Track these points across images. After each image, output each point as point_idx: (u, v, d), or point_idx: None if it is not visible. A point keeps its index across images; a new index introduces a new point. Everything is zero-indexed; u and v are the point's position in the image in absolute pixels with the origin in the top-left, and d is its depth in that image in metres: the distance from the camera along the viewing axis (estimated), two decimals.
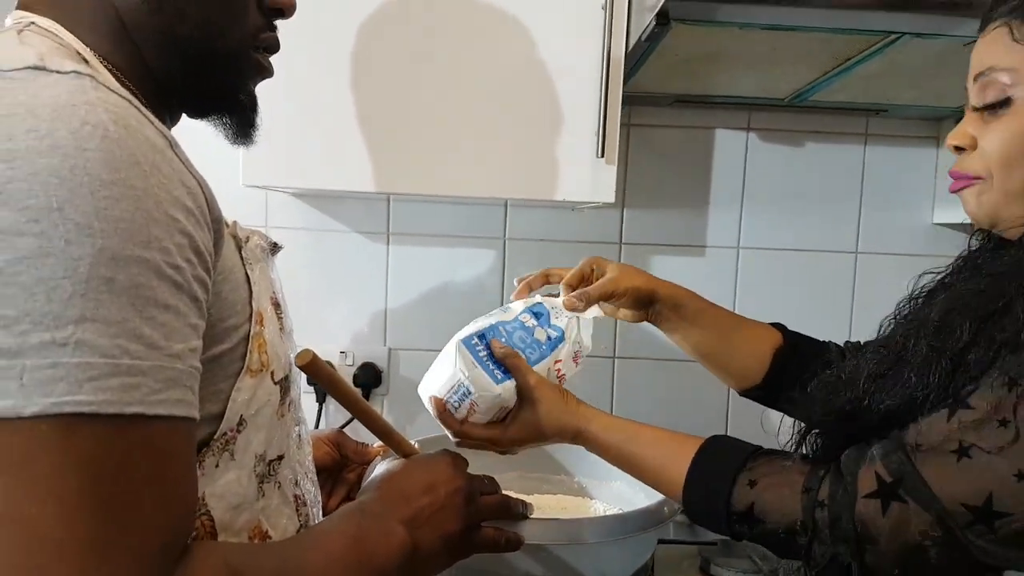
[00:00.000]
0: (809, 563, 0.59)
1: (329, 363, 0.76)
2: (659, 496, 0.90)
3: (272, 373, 0.59)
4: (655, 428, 0.75)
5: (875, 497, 0.55)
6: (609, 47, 1.02)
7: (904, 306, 0.70)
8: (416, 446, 0.82)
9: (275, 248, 0.67)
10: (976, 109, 0.65)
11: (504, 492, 0.80)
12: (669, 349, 1.34)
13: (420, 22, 1.03)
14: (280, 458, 0.62)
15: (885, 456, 0.56)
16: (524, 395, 0.78)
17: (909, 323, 0.65)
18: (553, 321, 0.86)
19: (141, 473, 0.44)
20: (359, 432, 1.32)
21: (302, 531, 0.63)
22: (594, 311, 0.89)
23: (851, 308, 1.32)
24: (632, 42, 1.03)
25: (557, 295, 0.89)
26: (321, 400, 1.35)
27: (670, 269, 1.36)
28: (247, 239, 0.62)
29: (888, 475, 0.55)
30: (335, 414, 1.37)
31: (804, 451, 0.66)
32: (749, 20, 0.94)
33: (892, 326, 0.69)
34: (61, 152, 0.42)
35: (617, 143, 1.05)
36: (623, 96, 1.08)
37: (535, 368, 0.81)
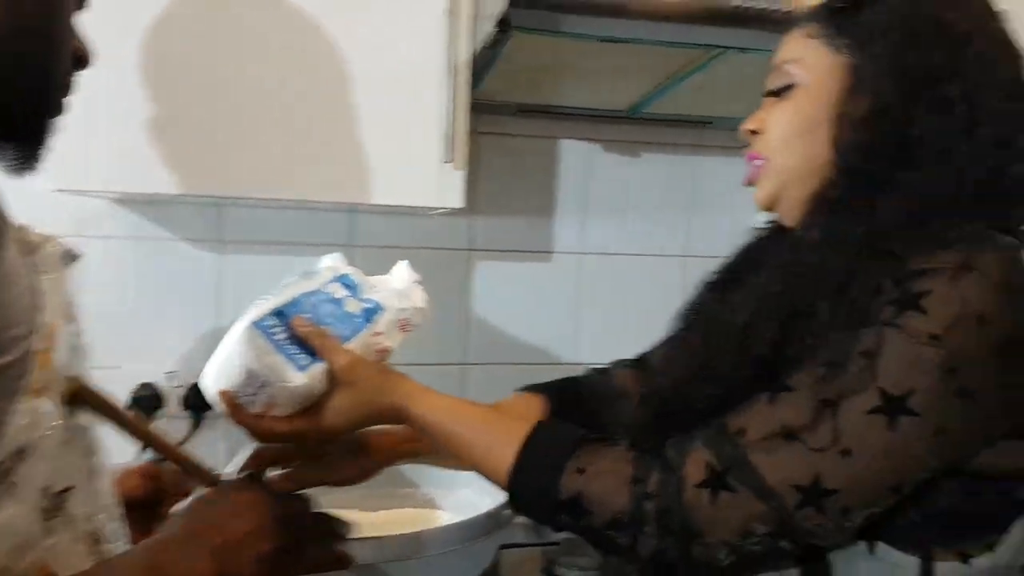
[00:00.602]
0: (631, 560, 0.57)
1: (90, 390, 0.62)
2: (499, 502, 0.90)
3: (60, 395, 0.53)
4: (485, 409, 0.69)
5: (704, 486, 0.54)
6: (454, 53, 1.02)
7: (688, 303, 0.73)
8: (219, 474, 0.72)
9: (71, 257, 0.60)
10: (768, 93, 0.69)
11: (341, 509, 0.75)
12: (519, 352, 1.38)
13: (261, 19, 0.98)
14: (68, 490, 0.55)
15: (711, 444, 0.55)
16: (336, 378, 0.67)
17: (706, 322, 0.66)
18: (365, 295, 0.76)
19: None
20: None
21: (95, 565, 0.56)
22: (407, 273, 0.80)
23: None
24: (477, 49, 1.04)
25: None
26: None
27: (517, 274, 1.38)
28: (39, 246, 0.55)
29: (717, 463, 0.54)
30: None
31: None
32: (585, 31, 0.98)
33: (682, 325, 0.69)
34: None
35: (466, 148, 1.05)
36: (471, 104, 1.09)
37: (349, 345, 0.69)
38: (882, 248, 0.57)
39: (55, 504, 0.54)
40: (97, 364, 1.00)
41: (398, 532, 0.90)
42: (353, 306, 0.74)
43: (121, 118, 0.94)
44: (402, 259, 1.33)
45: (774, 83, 0.68)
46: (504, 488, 0.64)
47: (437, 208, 1.11)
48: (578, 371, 1.41)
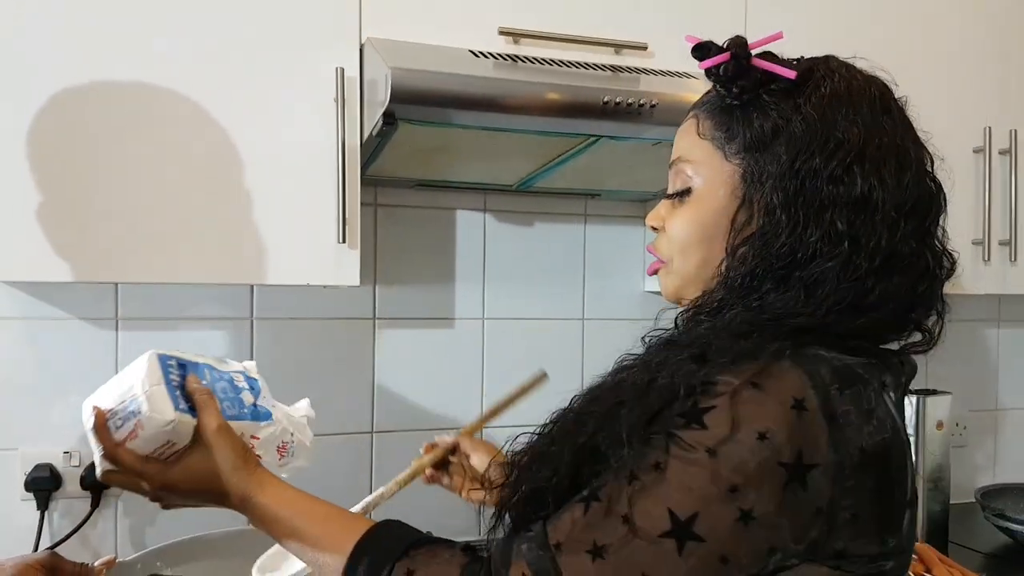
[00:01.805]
0: None
1: None
2: None
3: None
4: (332, 506, 0.69)
5: None
6: (343, 138, 1.06)
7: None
8: None
9: None
10: (667, 196, 0.70)
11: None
12: (426, 418, 1.41)
13: (155, 105, 1.00)
14: None
15: (530, 555, 0.56)
16: (201, 437, 0.69)
17: (568, 409, 0.67)
18: (261, 401, 0.80)
19: None
20: (89, 541, 1.22)
21: None
22: (303, 407, 0.85)
23: (582, 368, 1.46)
24: (367, 133, 1.09)
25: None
26: (43, 508, 1.21)
27: (422, 342, 1.42)
28: None
29: (532, 574, 0.55)
30: (60, 521, 1.23)
31: (502, 531, 0.66)
32: (468, 123, 1.04)
33: (564, 408, 0.70)
34: None
35: (358, 228, 1.08)
36: (368, 179, 1.13)
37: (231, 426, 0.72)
38: (697, 353, 0.58)
39: None
40: None
41: None
42: (247, 398, 0.78)
43: (13, 207, 0.95)
44: (305, 329, 1.36)
45: (673, 184, 0.69)
46: None
47: (334, 286, 1.14)
48: (481, 436, 1.45)
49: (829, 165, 0.60)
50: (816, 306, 0.59)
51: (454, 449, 1.01)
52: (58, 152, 0.97)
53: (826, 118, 0.61)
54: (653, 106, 1.05)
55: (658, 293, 1.57)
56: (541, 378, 1.04)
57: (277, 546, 0.79)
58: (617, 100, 1.04)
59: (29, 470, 1.21)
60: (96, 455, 0.71)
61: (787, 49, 0.67)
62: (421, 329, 1.42)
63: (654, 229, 0.73)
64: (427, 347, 1.42)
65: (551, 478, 0.61)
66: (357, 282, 1.09)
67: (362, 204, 1.10)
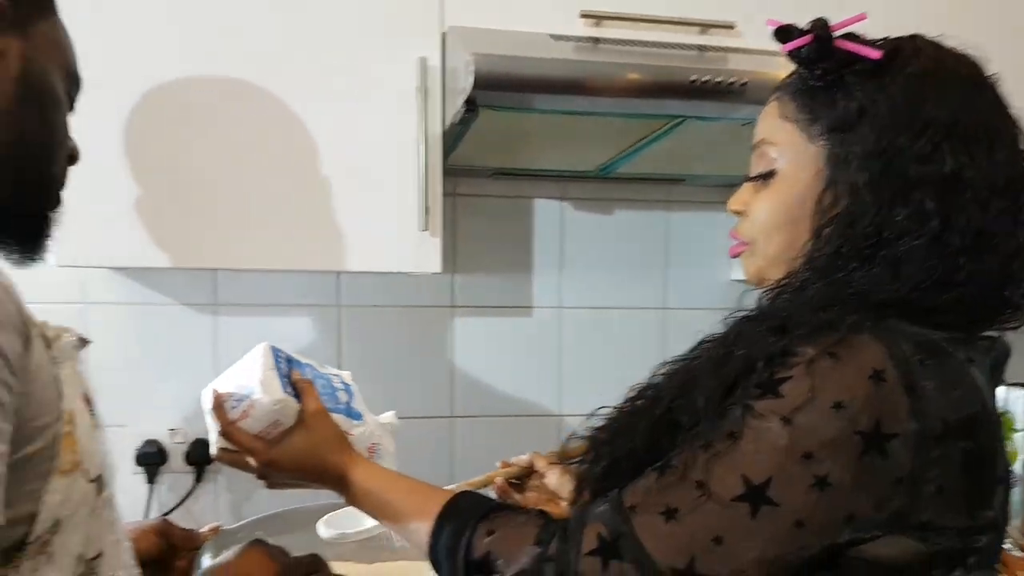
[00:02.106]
0: None
1: None
2: None
3: (87, 472, 0.59)
4: (415, 480, 0.75)
5: (596, 555, 0.57)
6: (426, 127, 1.08)
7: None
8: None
9: (83, 343, 0.66)
10: (749, 178, 0.70)
11: (336, 561, 0.80)
12: (504, 405, 1.43)
13: (245, 99, 1.05)
14: (99, 556, 0.61)
15: (604, 515, 0.58)
16: (304, 419, 0.77)
17: (647, 385, 0.69)
18: (356, 404, 0.87)
19: None
20: (193, 513, 1.29)
21: None
22: (389, 417, 0.91)
23: (662, 360, 1.43)
24: (448, 122, 1.10)
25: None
26: (151, 481, 1.29)
27: (499, 330, 1.43)
28: (56, 337, 0.61)
29: (608, 534, 0.57)
30: (167, 495, 1.31)
31: (583, 501, 0.67)
32: (550, 107, 1.04)
33: (644, 384, 0.71)
34: None
35: (440, 217, 1.10)
36: (448, 168, 1.15)
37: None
38: (776, 325, 0.59)
39: (88, 570, 0.59)
40: (107, 423, 1.07)
41: None
42: (342, 397, 0.86)
43: (116, 199, 1.01)
44: (388, 316, 1.40)
45: (755, 167, 0.69)
46: (425, 550, 0.69)
47: (416, 273, 1.17)
48: (560, 422, 1.46)
49: (916, 144, 0.60)
50: (902, 283, 0.59)
51: (531, 469, 1.00)
52: (156, 145, 1.03)
53: (913, 97, 0.61)
54: (743, 85, 1.02)
55: (745, 282, 1.53)
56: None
57: (345, 508, 0.83)
58: (705, 79, 1.01)
59: (139, 445, 1.29)
60: (212, 435, 0.80)
61: (872, 29, 0.65)
62: (498, 317, 1.43)
63: (737, 213, 0.72)
64: (504, 335, 1.43)
65: (629, 451, 0.63)
66: (439, 269, 1.11)
67: (442, 194, 1.11)
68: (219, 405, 0.78)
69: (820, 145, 0.64)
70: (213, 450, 0.81)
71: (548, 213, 1.45)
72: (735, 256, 0.73)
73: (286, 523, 1.00)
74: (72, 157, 0.68)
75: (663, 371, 0.67)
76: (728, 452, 0.55)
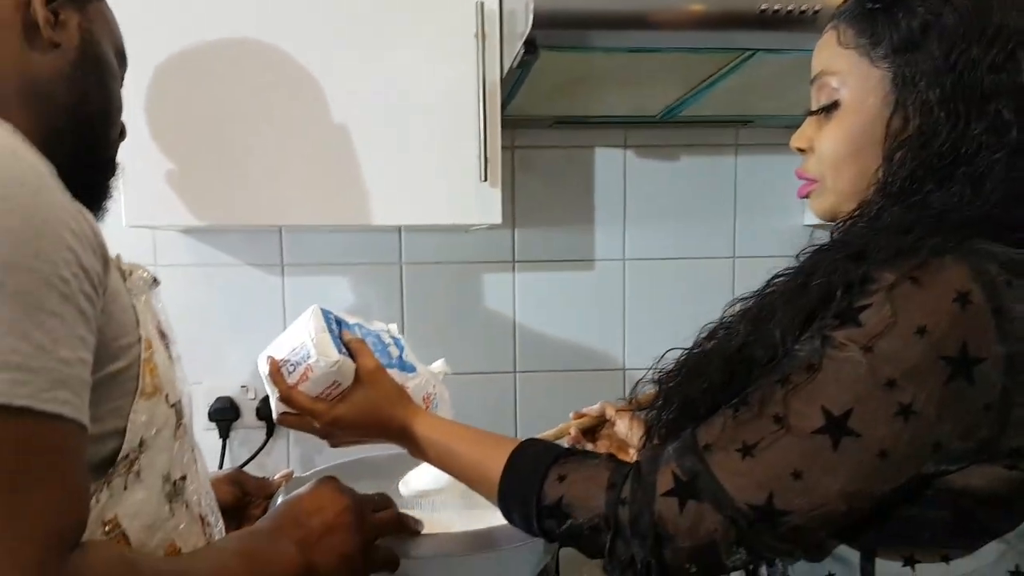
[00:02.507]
0: (612, 561, 0.59)
1: None
2: None
3: (166, 397, 0.62)
4: (478, 430, 0.75)
5: (672, 495, 0.56)
6: (484, 74, 1.06)
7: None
8: None
9: (155, 282, 0.69)
10: (811, 112, 0.68)
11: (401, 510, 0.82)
12: (567, 359, 1.41)
13: (300, 54, 1.04)
14: (184, 478, 0.64)
15: (679, 455, 0.57)
16: (361, 377, 0.78)
17: (719, 325, 0.67)
18: (407, 357, 0.87)
19: (30, 463, 0.46)
20: (265, 467, 1.32)
21: (199, 548, 0.64)
22: (440, 365, 0.91)
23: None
24: (506, 68, 1.08)
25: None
26: (224, 436, 1.33)
27: (561, 284, 1.41)
28: (130, 272, 0.64)
29: (683, 474, 0.56)
30: (239, 449, 1.35)
31: (653, 444, 0.67)
32: (612, 44, 0.99)
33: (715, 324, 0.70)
34: None
35: (499, 166, 1.08)
36: (506, 120, 1.12)
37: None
38: (854, 252, 0.57)
39: (175, 491, 0.62)
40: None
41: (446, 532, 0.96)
42: (393, 352, 0.86)
43: (180, 160, 1.03)
44: (449, 272, 1.40)
45: (817, 100, 0.67)
46: (494, 498, 0.69)
47: (477, 225, 1.15)
48: (624, 376, 1.44)
49: (989, 53, 0.57)
50: (984, 200, 0.57)
51: (603, 419, 1.00)
52: (216, 103, 1.03)
53: (980, 5, 0.58)
54: (815, 12, 0.96)
55: (819, 226, 1.46)
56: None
57: (421, 465, 0.85)
58: (776, 8, 0.95)
59: (212, 402, 1.33)
60: (272, 400, 0.81)
61: None
62: (560, 271, 1.41)
63: (801, 151, 0.69)
64: (567, 289, 1.41)
65: (703, 391, 0.61)
66: (499, 220, 1.10)
67: (501, 147, 1.09)
68: (276, 371, 0.79)
69: (884, 68, 0.61)
70: (275, 415, 0.82)
71: (610, 162, 1.41)
72: (804, 196, 0.70)
73: (356, 471, 1.02)
74: (121, 132, 0.71)
75: (734, 309, 0.65)
76: (806, 384, 0.54)
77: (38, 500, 0.45)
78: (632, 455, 0.94)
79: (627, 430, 0.96)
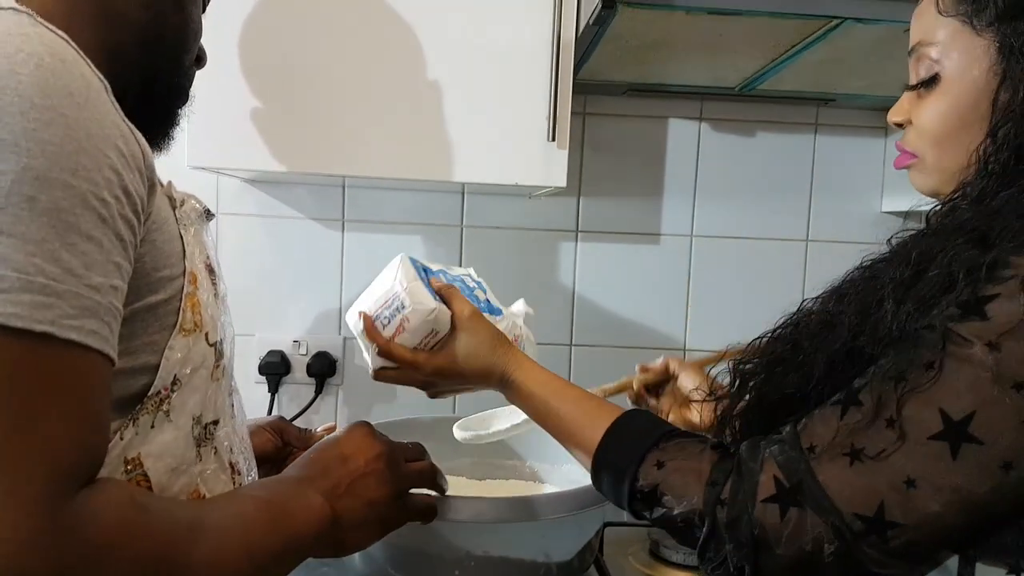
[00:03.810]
0: (703, 557, 0.57)
1: None
2: None
3: (207, 335, 0.59)
4: (581, 389, 0.73)
5: (773, 502, 0.53)
6: (559, 31, 1.03)
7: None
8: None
9: (209, 215, 0.67)
10: (910, 87, 0.64)
11: (452, 475, 0.79)
12: (626, 335, 1.37)
13: (374, 4, 1.03)
14: (216, 423, 0.61)
15: (782, 457, 0.54)
16: (458, 324, 0.75)
17: (806, 312, 0.63)
18: (492, 299, 0.85)
19: (49, 393, 0.43)
20: (312, 423, 1.32)
21: (225, 493, 0.62)
22: (521, 305, 0.88)
23: (802, 295, 1.32)
24: (582, 26, 1.04)
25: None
26: (273, 391, 1.33)
27: (625, 257, 1.37)
28: (182, 202, 0.62)
29: (785, 479, 0.53)
30: (288, 404, 1.35)
31: (727, 436, 0.64)
32: (694, 4, 0.95)
33: (795, 316, 0.66)
34: None
35: (568, 127, 1.06)
36: (578, 84, 1.09)
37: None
38: (977, 236, 0.52)
39: (205, 434, 0.60)
40: (232, 324, 1.09)
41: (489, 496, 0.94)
42: (480, 296, 0.84)
43: (246, 104, 1.02)
44: (511, 238, 1.38)
45: (915, 73, 0.63)
46: (587, 466, 0.67)
47: (541, 187, 1.12)
48: (684, 357, 1.39)
49: None
50: None
51: (668, 374, 0.97)
52: (283, 52, 1.03)
53: None
54: None
55: (897, 214, 1.39)
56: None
57: (482, 413, 0.82)
58: None
59: (263, 355, 1.33)
60: (369, 356, 0.79)
61: None
62: (624, 244, 1.37)
63: (898, 125, 0.65)
64: (630, 263, 1.37)
65: (803, 385, 0.57)
66: (563, 183, 1.07)
67: (571, 112, 1.06)
68: (371, 326, 0.76)
69: (989, 37, 0.58)
70: (372, 371, 0.79)
71: (683, 134, 1.36)
72: (901, 168, 0.66)
73: (406, 430, 1.01)
74: (200, 59, 0.69)
75: (826, 297, 0.61)
76: (923, 384, 0.50)
77: (51, 433, 0.43)
78: (694, 413, 0.91)
79: (691, 384, 0.93)
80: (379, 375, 0.79)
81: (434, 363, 0.76)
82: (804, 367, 0.58)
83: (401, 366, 0.77)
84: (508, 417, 0.92)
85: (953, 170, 0.60)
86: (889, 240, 0.62)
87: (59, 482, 0.43)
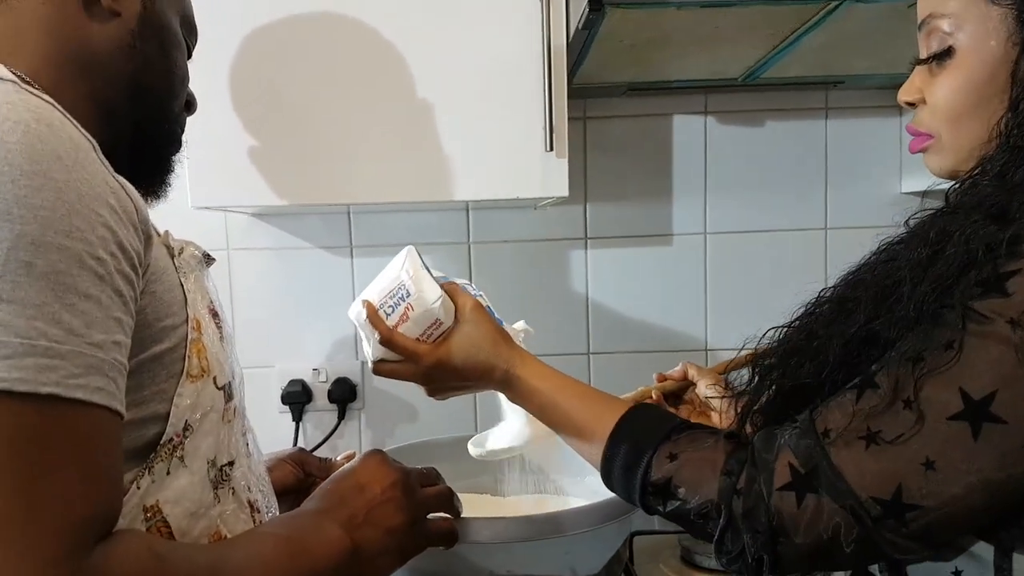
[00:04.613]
0: (720, 549, 0.56)
1: None
2: None
3: (215, 379, 0.60)
4: (586, 385, 0.72)
5: (790, 489, 0.52)
6: (548, 38, 1.01)
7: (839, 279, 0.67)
8: None
9: (209, 259, 0.67)
10: (921, 61, 0.62)
11: (471, 493, 0.78)
12: (645, 340, 1.34)
13: (360, 30, 1.02)
14: (231, 463, 0.62)
15: (797, 444, 0.53)
16: (461, 317, 0.74)
17: (822, 300, 0.62)
18: (491, 308, 0.83)
19: (59, 452, 0.44)
20: (337, 449, 1.32)
21: (244, 532, 0.62)
22: (522, 325, 0.87)
23: (825, 284, 1.28)
24: (572, 31, 1.02)
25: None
26: (297, 419, 1.34)
27: (638, 260, 1.34)
28: (180, 250, 0.62)
29: (801, 465, 0.52)
30: (312, 432, 1.35)
31: (748, 430, 0.62)
32: None
33: (812, 306, 0.64)
34: None
35: (566, 136, 1.04)
36: (576, 89, 1.07)
37: None
38: (996, 212, 0.50)
39: (221, 476, 0.60)
40: (255, 363, 1.08)
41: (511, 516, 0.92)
42: (483, 302, 0.81)
43: (247, 140, 1.02)
44: (519, 251, 1.36)
45: (929, 47, 0.61)
46: (596, 463, 0.66)
47: (544, 198, 1.11)
48: (707, 357, 1.36)
49: None
50: None
51: (687, 382, 0.95)
52: (275, 82, 1.02)
53: None
54: None
55: (918, 194, 1.34)
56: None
57: (495, 428, 0.83)
58: None
59: (284, 385, 1.33)
60: (368, 347, 0.77)
61: None
62: (636, 247, 1.34)
63: (910, 105, 0.62)
64: (643, 266, 1.35)
65: (818, 373, 0.56)
66: (565, 193, 1.05)
67: (570, 118, 1.05)
68: (374, 313, 0.75)
69: (1005, 5, 0.55)
70: (370, 362, 0.78)
71: (689, 130, 1.33)
72: (917, 151, 0.63)
73: (425, 452, 1.00)
74: (189, 104, 0.70)
75: (843, 283, 0.60)
76: (942, 364, 0.48)
77: (64, 491, 0.44)
78: (714, 419, 0.89)
79: (709, 391, 0.91)
80: (379, 368, 0.77)
81: (436, 355, 0.73)
82: (820, 354, 0.57)
83: (403, 357, 0.74)
84: (520, 432, 0.90)
85: (971, 147, 0.58)
86: (906, 221, 0.60)
87: (75, 539, 0.44)
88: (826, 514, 0.51)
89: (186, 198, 1.00)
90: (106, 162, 0.50)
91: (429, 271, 0.78)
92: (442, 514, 0.76)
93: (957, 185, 0.57)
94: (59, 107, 0.48)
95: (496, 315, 0.83)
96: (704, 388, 0.92)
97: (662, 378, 0.96)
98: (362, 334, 0.77)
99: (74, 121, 0.49)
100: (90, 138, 0.49)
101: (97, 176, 0.48)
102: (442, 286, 0.76)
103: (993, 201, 0.51)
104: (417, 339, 0.74)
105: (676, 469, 0.58)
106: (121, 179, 0.51)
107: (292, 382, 1.33)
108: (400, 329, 0.74)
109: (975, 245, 0.50)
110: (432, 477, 0.76)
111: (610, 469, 0.64)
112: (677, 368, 0.96)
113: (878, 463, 0.49)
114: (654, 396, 0.94)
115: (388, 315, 0.74)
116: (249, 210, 1.26)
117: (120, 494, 0.50)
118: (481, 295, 0.85)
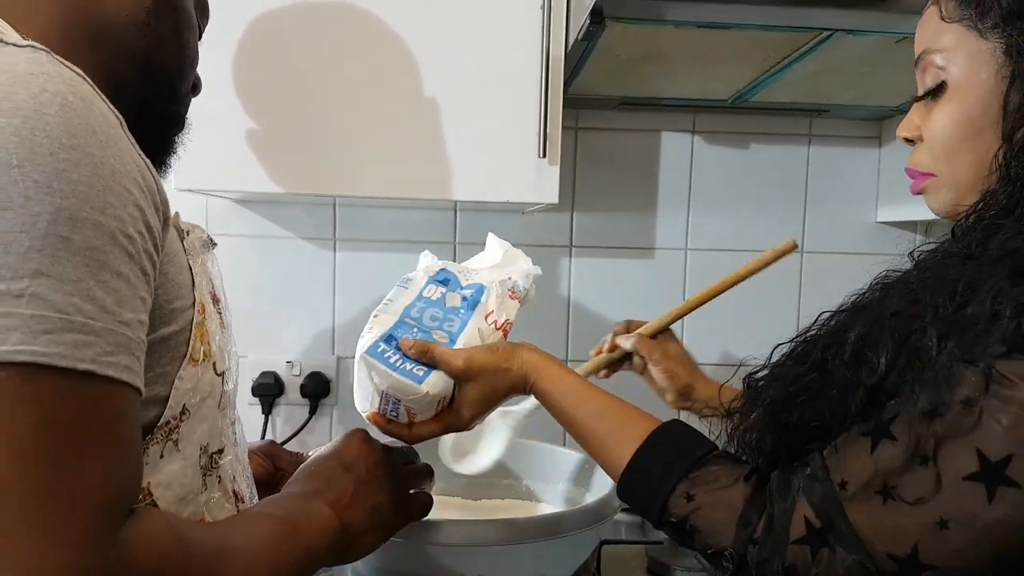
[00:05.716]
0: None
1: None
2: (600, 495, 0.90)
3: (214, 364, 0.60)
4: (608, 396, 0.71)
5: (804, 543, 0.52)
6: (548, 47, 1.02)
7: (837, 310, 0.66)
8: None
9: (211, 244, 0.67)
10: (918, 98, 0.63)
11: (443, 496, 0.79)
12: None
13: (362, 23, 1.02)
14: (221, 452, 0.62)
15: (812, 494, 0.53)
16: (460, 378, 0.73)
17: (832, 334, 0.61)
18: (464, 283, 0.81)
19: (92, 428, 0.44)
20: (307, 445, 1.31)
21: (237, 514, 0.63)
22: (501, 244, 0.88)
23: (798, 306, 1.32)
24: (572, 42, 1.03)
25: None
26: (267, 412, 1.32)
27: (619, 272, 1.36)
28: (188, 232, 0.62)
29: (816, 519, 0.52)
30: (282, 426, 1.34)
31: (734, 449, 0.63)
32: (682, 18, 0.94)
33: (815, 332, 0.64)
34: (21, 114, 0.42)
35: (559, 143, 1.05)
36: (570, 99, 1.08)
37: (462, 337, 0.75)
38: (1018, 267, 0.50)
39: (210, 463, 0.60)
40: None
41: (484, 519, 0.92)
42: (454, 300, 0.79)
43: (233, 125, 1.01)
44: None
45: (922, 83, 0.62)
46: (616, 483, 0.66)
47: (534, 204, 1.11)
48: None
49: None
50: None
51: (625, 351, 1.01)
52: (272, 71, 1.02)
53: None
54: None
55: (893, 224, 1.38)
56: (789, 249, 1.01)
57: (466, 433, 0.81)
58: None
59: (256, 376, 1.32)
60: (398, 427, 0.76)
61: None
62: (619, 259, 1.36)
63: (909, 141, 0.63)
64: (625, 277, 1.36)
65: (831, 414, 0.56)
66: (555, 200, 1.06)
67: (563, 127, 1.06)
68: (385, 424, 0.74)
69: (995, 39, 0.57)
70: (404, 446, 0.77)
71: (676, 147, 1.35)
72: (918, 193, 0.64)
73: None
74: (195, 86, 0.69)
75: (848, 316, 0.60)
76: (961, 423, 0.48)
77: (96, 468, 0.43)
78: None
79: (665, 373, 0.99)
80: (415, 436, 0.75)
81: (465, 417, 0.75)
82: (838, 401, 0.56)
83: (441, 432, 0.76)
84: (497, 437, 0.91)
85: (969, 181, 0.59)
86: (911, 254, 0.61)
87: (107, 517, 0.44)
88: (841, 569, 0.51)
89: (171, 179, 0.98)
90: (132, 139, 0.50)
91: (390, 345, 0.73)
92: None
93: (962, 219, 0.58)
94: (89, 80, 0.48)
95: (474, 283, 0.81)
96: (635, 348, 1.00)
97: (598, 352, 1.02)
98: (383, 436, 0.76)
99: (102, 95, 0.48)
100: (118, 114, 0.49)
101: (127, 153, 0.47)
102: (418, 356, 0.72)
103: (1018, 254, 0.51)
104: (436, 415, 0.74)
105: (693, 511, 0.59)
106: (145, 158, 0.50)
107: (264, 374, 1.32)
108: (417, 421, 0.74)
109: (1003, 306, 0.49)
110: (410, 455, 0.78)
111: (628, 490, 0.65)
112: (607, 340, 1.02)
113: (893, 521, 0.49)
114: (601, 375, 1.01)
115: (394, 419, 0.74)
116: (233, 195, 1.25)
117: (141, 472, 0.50)
118: (445, 279, 0.82)
